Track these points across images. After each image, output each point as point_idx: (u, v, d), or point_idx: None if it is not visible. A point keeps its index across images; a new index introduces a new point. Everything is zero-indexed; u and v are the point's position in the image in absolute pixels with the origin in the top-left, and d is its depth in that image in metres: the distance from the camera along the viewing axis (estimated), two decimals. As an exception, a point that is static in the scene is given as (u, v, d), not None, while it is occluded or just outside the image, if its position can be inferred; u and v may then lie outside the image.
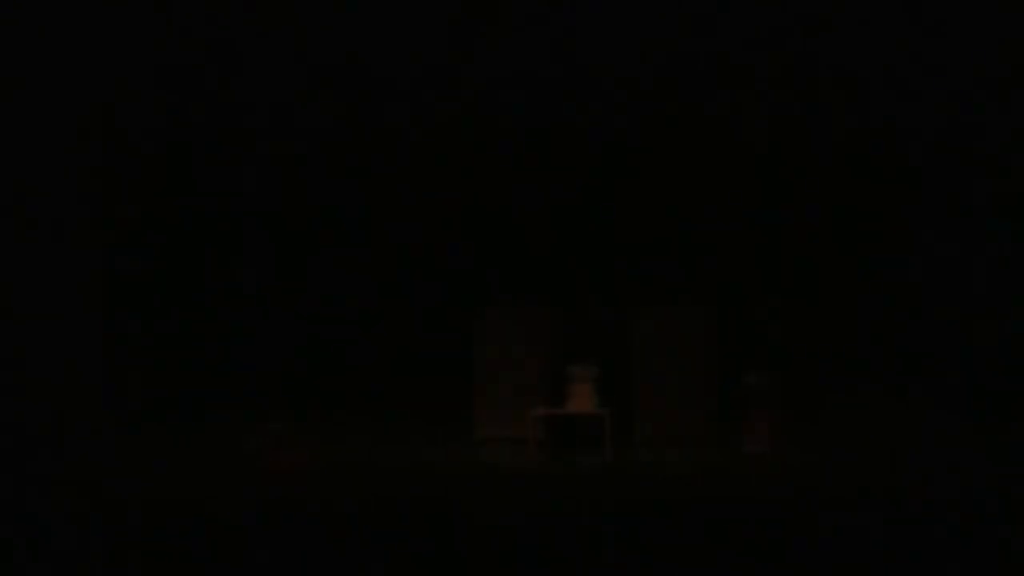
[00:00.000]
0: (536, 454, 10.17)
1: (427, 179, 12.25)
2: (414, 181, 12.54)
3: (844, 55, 11.75)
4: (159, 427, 11.61)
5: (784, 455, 9.90)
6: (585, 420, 10.54)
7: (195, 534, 7.11)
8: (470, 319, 11.05)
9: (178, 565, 6.68)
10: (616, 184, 12.73)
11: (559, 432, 10.74)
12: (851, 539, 6.94)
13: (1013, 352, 10.57)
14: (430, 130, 12.11)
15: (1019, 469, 8.93)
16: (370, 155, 12.79)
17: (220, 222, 12.73)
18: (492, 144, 12.72)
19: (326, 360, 13.17)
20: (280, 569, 6.61)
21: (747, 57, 12.03)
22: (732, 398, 10.52)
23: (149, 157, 11.49)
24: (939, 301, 11.97)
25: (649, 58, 12.08)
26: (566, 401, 10.43)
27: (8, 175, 10.33)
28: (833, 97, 12.13)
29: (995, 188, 10.59)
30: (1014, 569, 6.29)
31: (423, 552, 6.81)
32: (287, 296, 13.00)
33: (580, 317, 11.02)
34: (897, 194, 12.15)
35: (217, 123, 12.37)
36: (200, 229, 12.51)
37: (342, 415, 12.79)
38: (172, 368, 12.32)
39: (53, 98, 10.41)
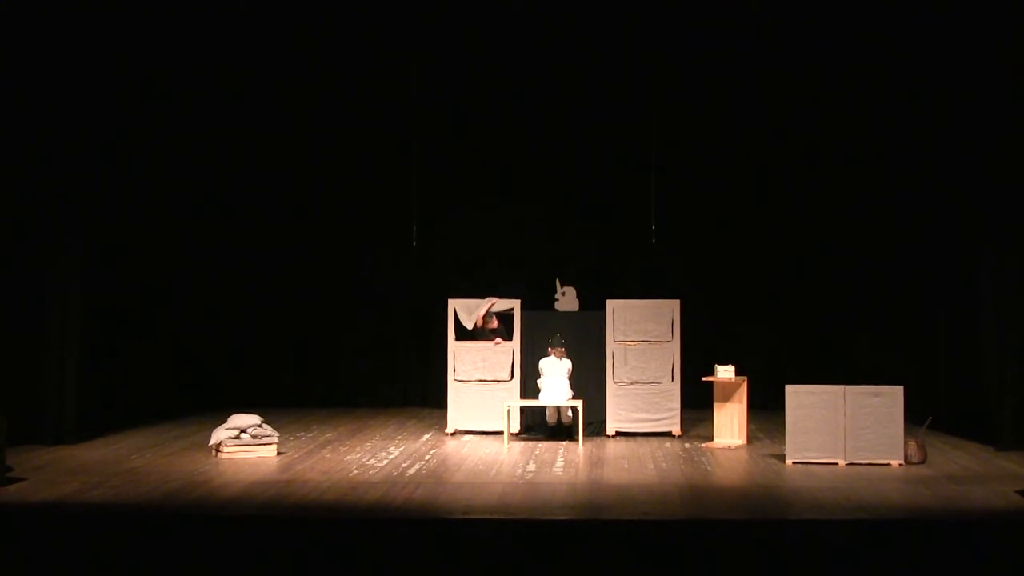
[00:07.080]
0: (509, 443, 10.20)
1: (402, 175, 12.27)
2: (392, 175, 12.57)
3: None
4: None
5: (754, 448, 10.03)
6: (557, 411, 10.59)
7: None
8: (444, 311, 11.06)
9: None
10: (585, 180, 12.80)
11: (532, 422, 10.80)
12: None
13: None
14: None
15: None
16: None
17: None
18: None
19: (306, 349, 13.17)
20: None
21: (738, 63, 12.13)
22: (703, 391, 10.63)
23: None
24: (905, 304, 12.15)
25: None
26: (539, 393, 10.49)
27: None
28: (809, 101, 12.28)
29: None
30: None
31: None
32: (266, 283, 12.97)
33: (551, 311, 11.06)
34: (872, 198, 12.31)
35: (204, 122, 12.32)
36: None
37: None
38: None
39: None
